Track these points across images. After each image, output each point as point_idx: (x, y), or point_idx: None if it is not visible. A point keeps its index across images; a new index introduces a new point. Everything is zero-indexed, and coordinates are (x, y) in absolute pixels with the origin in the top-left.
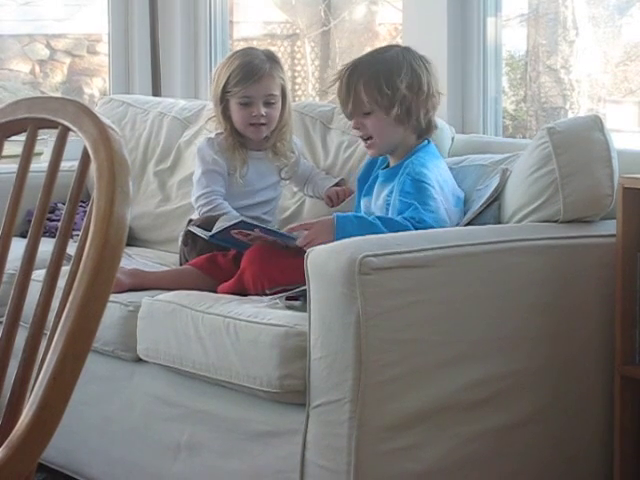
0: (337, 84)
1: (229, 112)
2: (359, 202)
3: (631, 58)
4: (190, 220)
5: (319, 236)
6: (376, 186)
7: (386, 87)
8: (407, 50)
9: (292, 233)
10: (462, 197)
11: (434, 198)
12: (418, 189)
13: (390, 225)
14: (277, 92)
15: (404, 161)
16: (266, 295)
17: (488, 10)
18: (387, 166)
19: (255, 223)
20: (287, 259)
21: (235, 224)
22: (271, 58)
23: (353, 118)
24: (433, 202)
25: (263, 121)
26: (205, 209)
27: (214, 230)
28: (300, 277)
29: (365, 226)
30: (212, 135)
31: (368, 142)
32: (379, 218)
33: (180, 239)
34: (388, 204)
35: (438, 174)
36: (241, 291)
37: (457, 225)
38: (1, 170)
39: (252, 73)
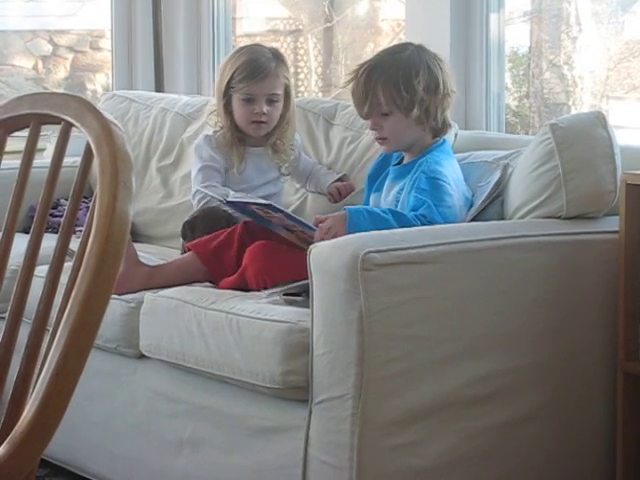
0: (352, 84)
1: (231, 107)
2: (368, 198)
3: (634, 54)
4: (186, 222)
5: (333, 229)
6: (387, 182)
7: (404, 89)
8: (422, 49)
9: (312, 224)
10: (470, 197)
11: (450, 194)
12: (434, 186)
13: (401, 220)
14: (280, 91)
15: (418, 159)
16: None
17: (491, 6)
18: (399, 163)
19: (282, 209)
20: (289, 256)
21: (263, 205)
22: (277, 57)
23: (370, 119)
24: (449, 198)
25: (264, 119)
26: (202, 202)
27: (235, 199)
28: (302, 274)
29: (377, 220)
30: (210, 132)
31: (383, 141)
32: (391, 212)
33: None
34: (397, 201)
35: (452, 172)
36: (243, 287)
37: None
38: (4, 166)
39: (257, 71)
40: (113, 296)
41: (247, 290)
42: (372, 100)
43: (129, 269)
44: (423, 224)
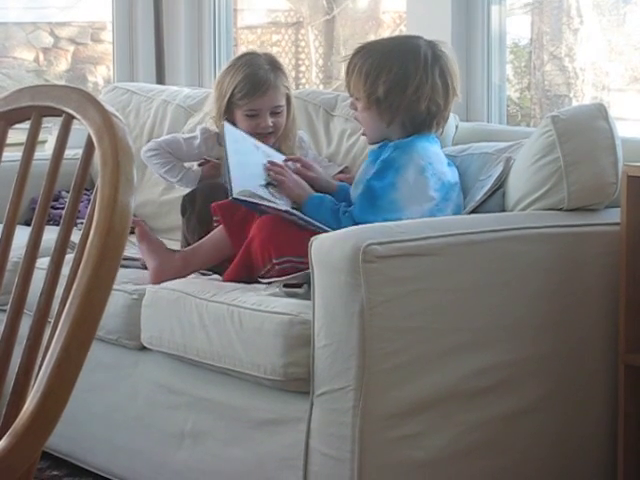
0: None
1: (234, 120)
2: None
3: (635, 46)
4: (185, 196)
5: (293, 189)
6: (362, 166)
7: (368, 84)
8: (417, 48)
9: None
10: (451, 181)
11: (396, 187)
12: (383, 171)
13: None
14: (283, 102)
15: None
16: (273, 265)
17: None
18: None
19: (299, 215)
20: (297, 231)
21: (279, 211)
22: (275, 66)
23: (352, 97)
24: (393, 191)
25: (270, 131)
26: (151, 160)
27: (247, 197)
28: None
29: (328, 213)
30: (212, 129)
31: (362, 130)
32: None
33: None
34: None
35: (413, 159)
36: (247, 263)
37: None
38: (5, 158)
39: (258, 86)
40: (115, 286)
41: (251, 269)
42: (348, 82)
43: (162, 261)
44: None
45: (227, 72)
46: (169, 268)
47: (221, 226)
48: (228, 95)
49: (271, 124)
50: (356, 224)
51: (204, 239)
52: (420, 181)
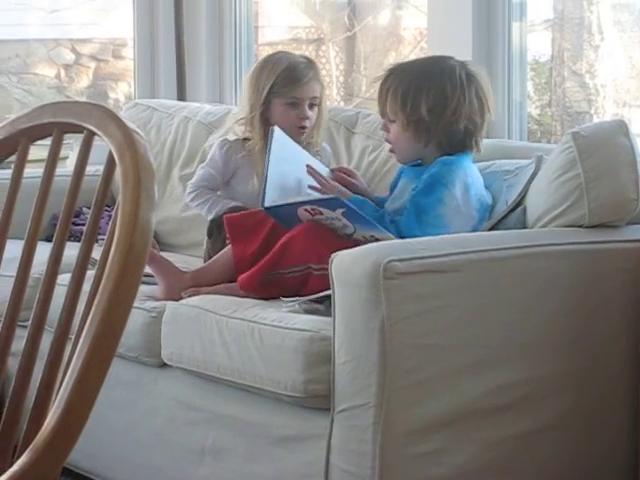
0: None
1: (268, 114)
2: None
3: None
4: (214, 219)
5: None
6: (400, 182)
7: (409, 105)
8: (452, 69)
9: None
10: (490, 203)
11: (443, 202)
12: (431, 186)
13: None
14: (319, 95)
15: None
16: (308, 269)
17: (513, 15)
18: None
19: (350, 205)
20: (338, 239)
21: (328, 200)
22: (311, 62)
23: (383, 119)
24: (441, 207)
25: (307, 124)
26: (194, 202)
27: (282, 202)
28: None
29: (370, 215)
30: (230, 138)
31: (391, 148)
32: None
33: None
34: None
35: (460, 176)
36: (275, 265)
37: (482, 225)
38: (27, 174)
39: (301, 75)
40: (135, 305)
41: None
42: (382, 103)
43: (171, 282)
44: (397, 233)
45: (262, 68)
46: (180, 288)
47: (229, 248)
48: (268, 87)
49: (309, 115)
50: (400, 235)
51: (214, 258)
52: (466, 198)
